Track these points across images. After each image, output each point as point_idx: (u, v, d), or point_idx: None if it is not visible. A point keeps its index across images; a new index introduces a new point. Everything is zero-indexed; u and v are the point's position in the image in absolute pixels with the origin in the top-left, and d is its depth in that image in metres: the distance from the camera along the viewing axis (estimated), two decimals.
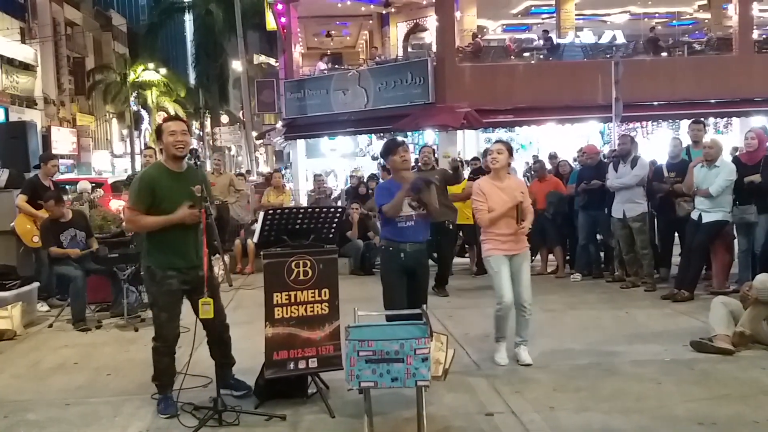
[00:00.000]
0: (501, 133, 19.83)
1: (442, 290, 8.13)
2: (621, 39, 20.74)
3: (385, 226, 5.12)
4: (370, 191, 11.32)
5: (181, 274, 4.32)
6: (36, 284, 7.52)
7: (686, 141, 8.51)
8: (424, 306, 4.19)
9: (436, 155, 9.20)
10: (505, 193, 5.21)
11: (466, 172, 9.75)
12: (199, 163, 4.32)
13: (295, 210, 4.75)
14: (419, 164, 8.18)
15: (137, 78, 37.62)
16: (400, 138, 5.45)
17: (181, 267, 4.31)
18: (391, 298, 4.99)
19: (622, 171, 7.99)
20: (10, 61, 28.16)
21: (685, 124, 17.27)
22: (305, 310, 4.49)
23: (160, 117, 38.85)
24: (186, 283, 4.34)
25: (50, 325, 6.98)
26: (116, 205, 14.08)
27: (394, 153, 5.01)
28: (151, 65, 37.83)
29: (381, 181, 9.89)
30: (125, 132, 42.61)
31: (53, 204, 7.35)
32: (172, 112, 39.54)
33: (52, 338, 6.57)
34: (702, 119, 9.21)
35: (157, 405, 4.40)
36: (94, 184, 14.47)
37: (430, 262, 6.76)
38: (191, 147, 4.35)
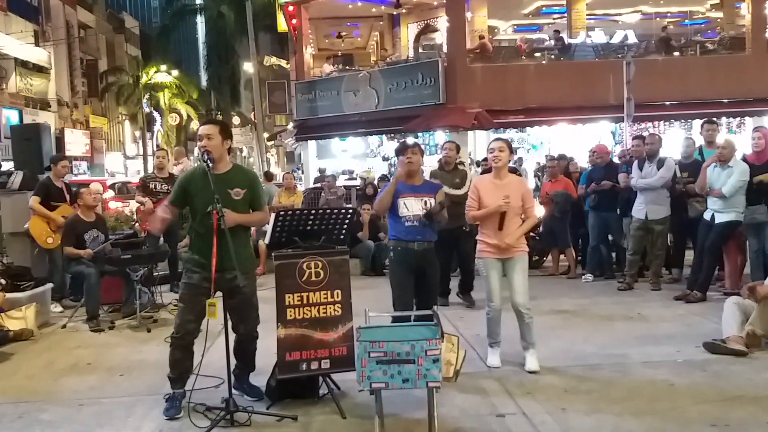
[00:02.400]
0: (512, 134, 19.81)
1: (468, 296, 7.58)
2: (633, 39, 20.62)
3: (392, 226, 5.16)
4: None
5: (205, 272, 4.32)
6: (50, 285, 7.58)
7: (699, 141, 8.45)
8: (435, 307, 4.20)
9: (460, 153, 8.57)
10: (503, 191, 5.08)
11: (477, 172, 9.70)
12: (210, 164, 4.32)
13: (306, 211, 4.78)
14: (441, 162, 7.78)
15: (150, 80, 37.89)
16: (411, 140, 5.54)
17: (204, 266, 4.33)
18: (399, 298, 5.03)
19: (647, 171, 7.86)
20: (24, 64, 28.42)
21: (697, 123, 17.14)
22: (318, 311, 4.51)
23: (172, 119, 39.16)
24: (210, 282, 4.30)
25: (64, 326, 7.03)
26: (115, 205, 14.28)
27: (402, 154, 5.16)
28: (163, 67, 38.10)
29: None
30: (138, 134, 42.89)
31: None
32: (184, 114, 39.83)
33: (66, 339, 6.62)
34: (715, 119, 9.15)
35: (165, 402, 4.44)
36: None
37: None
38: (204, 148, 4.38)
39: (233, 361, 4.45)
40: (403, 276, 5.06)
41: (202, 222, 4.36)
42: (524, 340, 5.20)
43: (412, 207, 5.01)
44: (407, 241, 5.04)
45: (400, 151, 5.21)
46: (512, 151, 5.28)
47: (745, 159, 7.29)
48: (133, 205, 11.32)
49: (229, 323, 4.45)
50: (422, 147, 5.45)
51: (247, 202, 4.45)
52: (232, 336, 4.44)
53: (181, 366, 4.45)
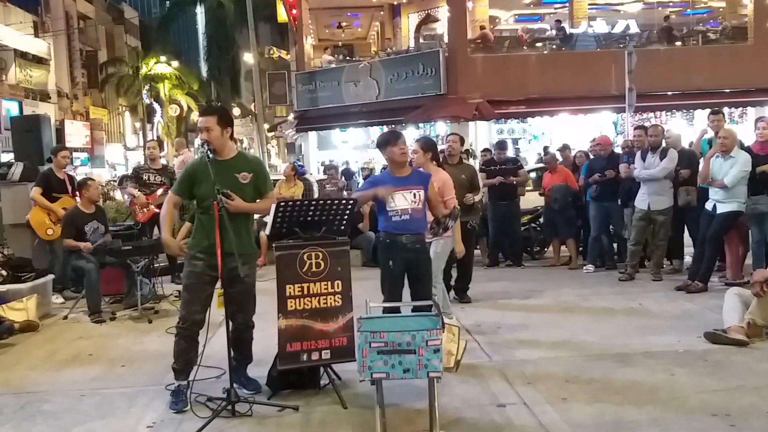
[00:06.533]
0: (513, 124, 19.80)
1: (465, 296, 7.35)
2: (634, 28, 20.53)
3: (381, 218, 5.01)
4: None
5: (209, 257, 4.30)
6: (51, 276, 7.59)
7: (697, 132, 8.41)
8: (435, 298, 4.19)
9: (464, 147, 8.15)
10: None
11: (477, 164, 9.67)
12: (211, 155, 4.31)
13: (306, 202, 4.77)
14: (445, 155, 7.27)
15: (149, 71, 37.75)
16: (399, 130, 5.47)
17: (208, 254, 4.31)
18: (389, 290, 4.94)
19: (650, 162, 7.82)
20: (24, 55, 28.33)
21: (699, 113, 17.14)
22: (318, 302, 4.50)
23: (172, 110, 39.09)
24: (214, 269, 4.28)
25: (65, 317, 7.04)
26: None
27: (394, 144, 4.84)
28: (163, 58, 37.94)
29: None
30: (138, 125, 42.81)
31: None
32: (185, 105, 39.74)
33: (67, 330, 6.63)
34: (720, 109, 9.08)
35: (170, 395, 4.42)
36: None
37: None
38: (204, 140, 4.40)
39: (232, 352, 4.44)
40: (393, 269, 4.94)
41: (206, 210, 4.36)
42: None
43: (399, 201, 4.81)
44: (396, 234, 4.88)
45: (388, 141, 4.87)
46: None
47: (749, 149, 7.25)
48: None
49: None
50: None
51: (253, 186, 4.44)
52: None
53: (186, 356, 4.44)
